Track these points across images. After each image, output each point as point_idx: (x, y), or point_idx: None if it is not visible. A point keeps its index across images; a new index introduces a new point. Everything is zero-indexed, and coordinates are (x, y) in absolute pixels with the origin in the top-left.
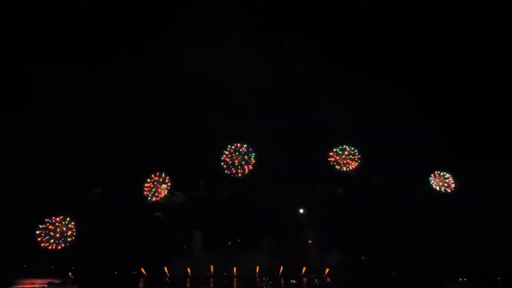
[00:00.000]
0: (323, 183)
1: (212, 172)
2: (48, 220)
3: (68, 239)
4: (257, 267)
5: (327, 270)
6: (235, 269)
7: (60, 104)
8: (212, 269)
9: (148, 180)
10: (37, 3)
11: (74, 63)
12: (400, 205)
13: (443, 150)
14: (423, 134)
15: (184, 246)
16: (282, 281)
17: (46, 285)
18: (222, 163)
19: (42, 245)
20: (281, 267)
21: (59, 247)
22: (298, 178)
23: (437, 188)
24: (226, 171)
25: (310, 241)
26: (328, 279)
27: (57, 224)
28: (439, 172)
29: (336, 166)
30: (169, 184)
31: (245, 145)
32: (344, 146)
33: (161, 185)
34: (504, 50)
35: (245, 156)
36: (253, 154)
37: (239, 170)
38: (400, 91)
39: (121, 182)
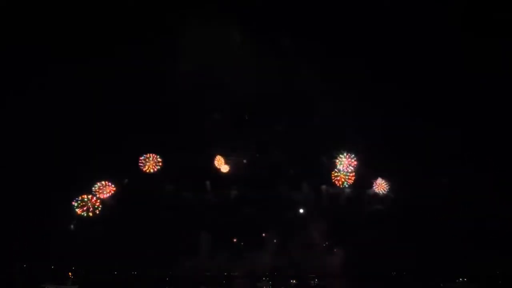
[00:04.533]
0: (326, 183)
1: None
2: None
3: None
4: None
5: None
6: (236, 269)
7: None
8: (213, 269)
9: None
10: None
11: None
12: (401, 205)
13: (444, 150)
14: (426, 135)
15: (187, 246)
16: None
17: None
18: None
19: None
20: None
21: None
22: (302, 179)
23: None
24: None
25: (312, 241)
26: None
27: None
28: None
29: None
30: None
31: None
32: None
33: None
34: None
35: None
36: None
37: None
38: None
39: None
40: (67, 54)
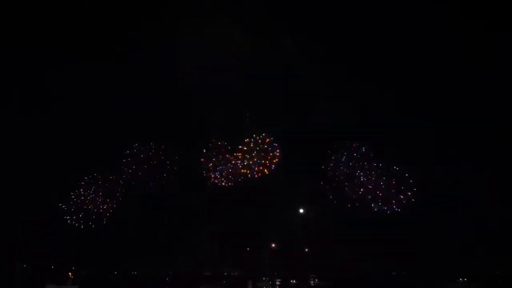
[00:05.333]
0: (326, 183)
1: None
2: None
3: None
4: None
5: None
6: (235, 269)
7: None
8: (213, 269)
9: None
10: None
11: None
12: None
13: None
14: (427, 135)
15: (187, 246)
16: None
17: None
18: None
19: None
20: None
21: None
22: (303, 179)
23: None
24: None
25: (312, 241)
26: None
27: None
28: None
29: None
30: None
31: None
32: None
33: None
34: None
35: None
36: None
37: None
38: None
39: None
40: (65, 54)
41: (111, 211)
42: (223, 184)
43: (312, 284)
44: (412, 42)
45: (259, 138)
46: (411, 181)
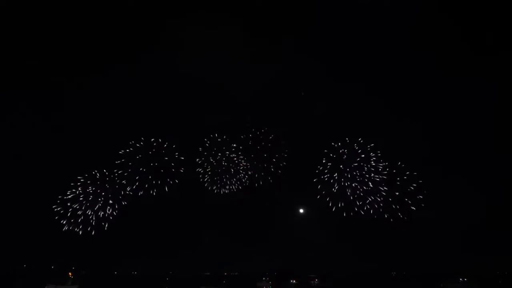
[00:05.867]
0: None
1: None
2: None
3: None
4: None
5: None
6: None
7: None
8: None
9: None
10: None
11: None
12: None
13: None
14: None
15: (187, 246)
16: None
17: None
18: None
19: None
20: None
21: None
22: (302, 178)
23: None
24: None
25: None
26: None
27: None
28: None
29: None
30: None
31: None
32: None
33: None
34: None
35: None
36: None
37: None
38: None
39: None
40: (66, 54)
41: (114, 214)
42: (227, 187)
43: (312, 284)
44: (414, 44)
45: (261, 134)
46: (413, 186)
